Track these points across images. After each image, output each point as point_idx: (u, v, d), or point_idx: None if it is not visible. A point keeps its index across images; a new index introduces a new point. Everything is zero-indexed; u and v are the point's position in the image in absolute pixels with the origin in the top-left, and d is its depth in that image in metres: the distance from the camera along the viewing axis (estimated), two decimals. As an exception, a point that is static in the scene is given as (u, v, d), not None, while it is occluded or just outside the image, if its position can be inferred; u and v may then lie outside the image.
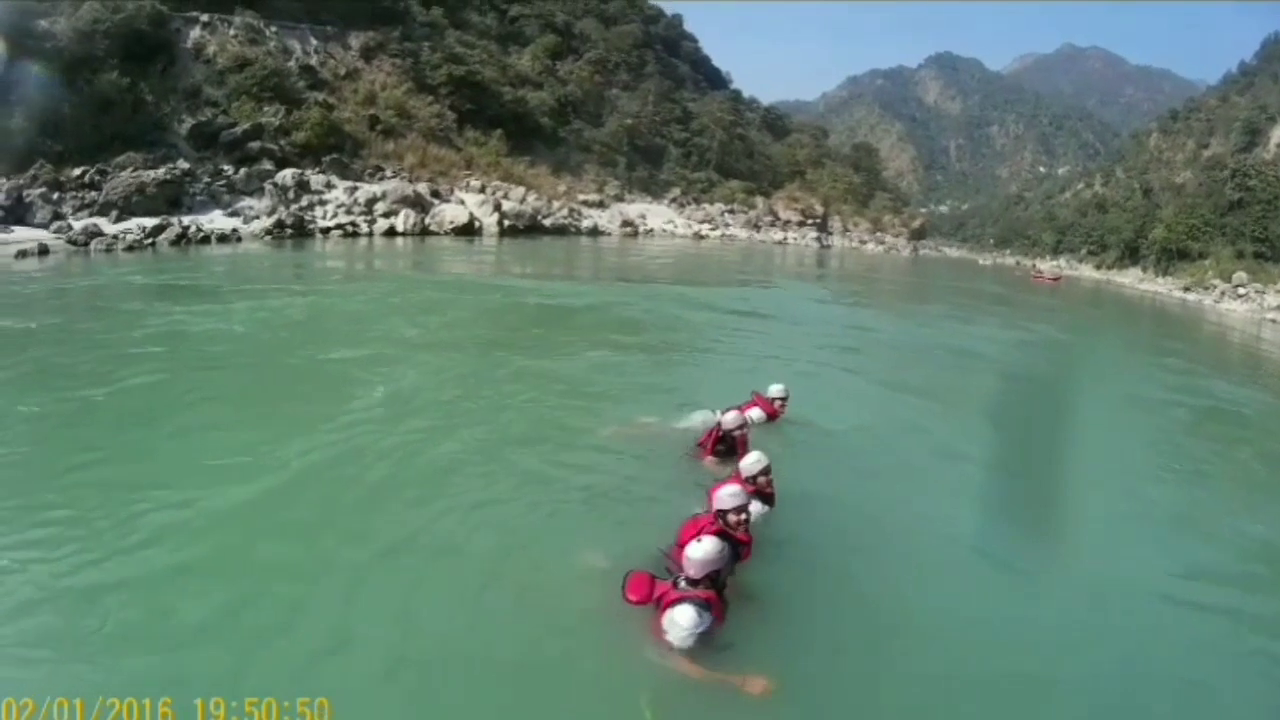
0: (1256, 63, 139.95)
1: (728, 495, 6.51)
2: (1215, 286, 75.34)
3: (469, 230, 40.20)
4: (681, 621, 5.49)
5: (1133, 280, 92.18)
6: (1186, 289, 78.01)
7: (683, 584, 5.71)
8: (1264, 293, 68.51)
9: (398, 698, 5.11)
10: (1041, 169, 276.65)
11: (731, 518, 6.41)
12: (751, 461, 7.57)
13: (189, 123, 38.34)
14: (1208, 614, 7.69)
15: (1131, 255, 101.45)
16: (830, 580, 7.16)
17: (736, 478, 7.44)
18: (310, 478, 8.21)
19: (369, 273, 28.44)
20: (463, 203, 43.35)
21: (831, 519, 8.47)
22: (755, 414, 10.29)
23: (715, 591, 5.71)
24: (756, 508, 7.03)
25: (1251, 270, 75.05)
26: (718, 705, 5.30)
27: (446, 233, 39.15)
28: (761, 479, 7.47)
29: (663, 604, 5.67)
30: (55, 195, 30.80)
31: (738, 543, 6.32)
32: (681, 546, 6.11)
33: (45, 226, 28.34)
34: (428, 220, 39.60)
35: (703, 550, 5.67)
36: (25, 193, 29.73)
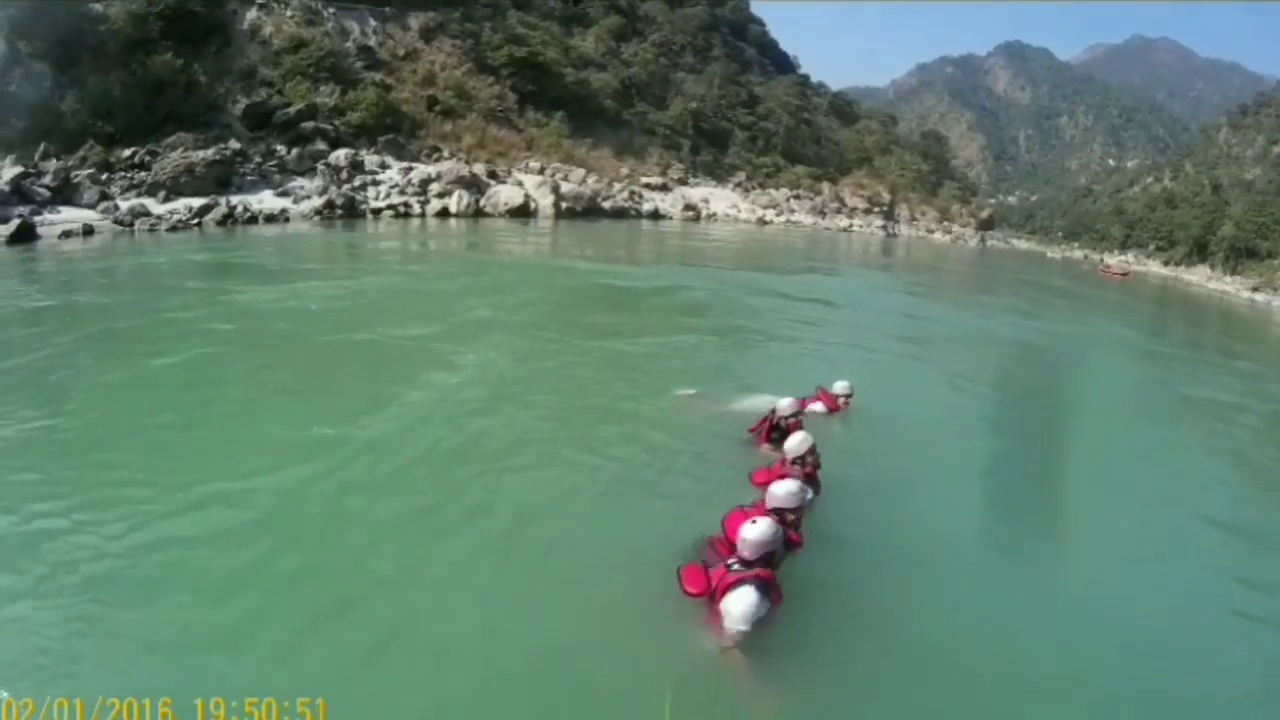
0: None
1: (786, 494, 6.26)
2: None
3: (524, 212, 39.01)
4: (742, 605, 5.33)
5: (1200, 278, 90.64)
6: (1255, 289, 76.32)
7: (736, 566, 5.54)
8: (1336, 295, 67.15)
9: (402, 696, 4.92)
10: (1110, 162, 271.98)
11: (789, 516, 6.20)
12: (797, 442, 7.41)
13: (243, 103, 37.85)
14: (1263, 628, 7.37)
15: (1200, 252, 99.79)
16: (870, 576, 6.96)
17: (784, 461, 7.41)
18: (356, 463, 8.01)
19: (427, 253, 28.17)
20: (520, 184, 42.26)
21: (879, 512, 8.25)
22: (817, 408, 10.22)
23: (772, 571, 5.56)
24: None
25: (1324, 271, 73.61)
26: (743, 707, 5.16)
27: (501, 214, 38.03)
28: (810, 458, 7.35)
29: (720, 589, 5.47)
30: (104, 176, 30.50)
31: (789, 540, 6.14)
32: (729, 537, 6.00)
33: (92, 207, 27.88)
34: (482, 202, 38.56)
35: (758, 531, 5.54)
36: (74, 174, 29.38)
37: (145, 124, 34.05)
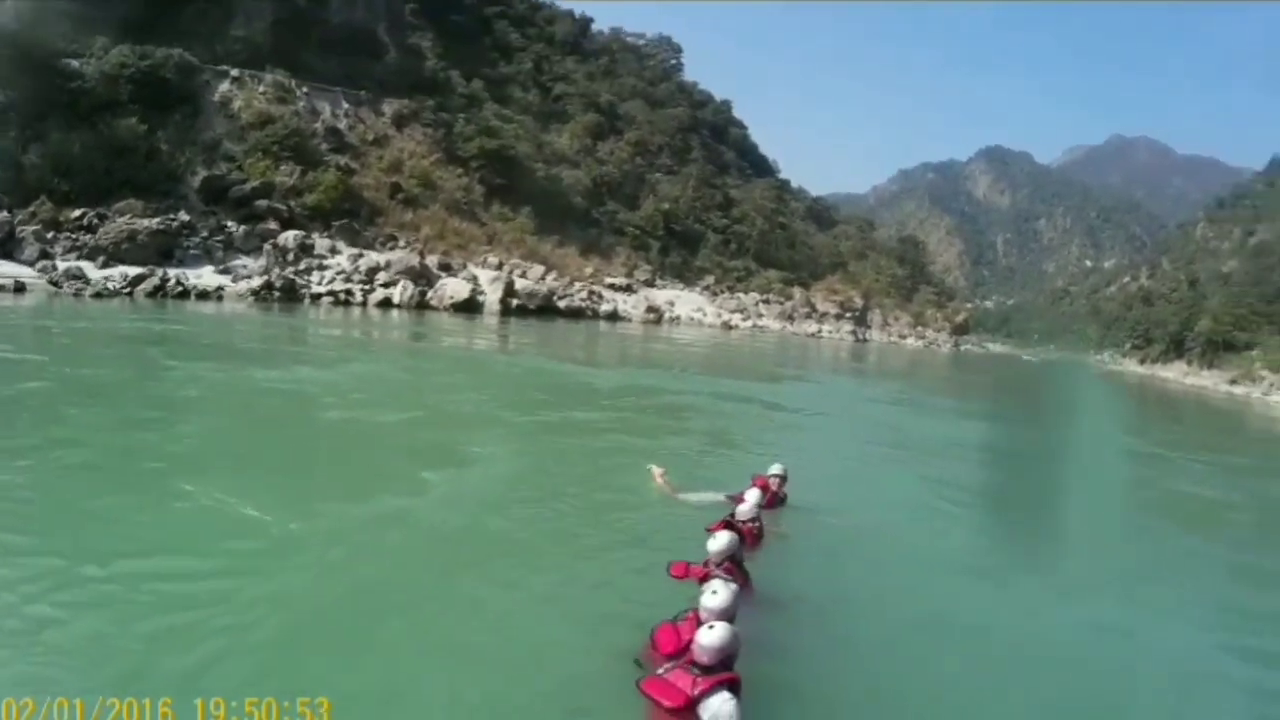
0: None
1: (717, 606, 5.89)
2: (1264, 378, 73.72)
3: (469, 307, 38.20)
4: (728, 708, 5.13)
5: (1177, 374, 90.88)
6: (1233, 381, 76.47)
7: (696, 671, 5.36)
8: (1317, 384, 67.67)
9: (399, 698, 5.16)
10: (1088, 262, 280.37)
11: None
12: (721, 546, 7.21)
13: (201, 175, 37.82)
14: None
15: (1176, 348, 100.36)
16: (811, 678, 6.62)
17: (707, 562, 7.24)
18: (343, 509, 8.50)
19: (369, 343, 27.29)
20: (474, 278, 41.89)
21: (822, 619, 7.88)
22: (753, 494, 9.54)
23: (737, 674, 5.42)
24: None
25: (1303, 359, 74.18)
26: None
27: (446, 308, 37.43)
28: (736, 555, 7.29)
29: (693, 698, 5.23)
30: (50, 234, 30.46)
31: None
32: (659, 650, 5.95)
33: (31, 264, 27.96)
34: (430, 294, 37.95)
35: (716, 637, 5.37)
36: (20, 229, 29.47)
37: (102, 186, 34.17)
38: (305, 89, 47.73)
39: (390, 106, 51.58)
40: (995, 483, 17.44)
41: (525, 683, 5.95)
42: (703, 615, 5.96)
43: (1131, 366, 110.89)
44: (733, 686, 5.28)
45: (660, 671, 5.55)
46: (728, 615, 5.86)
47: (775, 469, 10.57)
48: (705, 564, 7.25)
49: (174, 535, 7.27)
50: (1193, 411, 51.74)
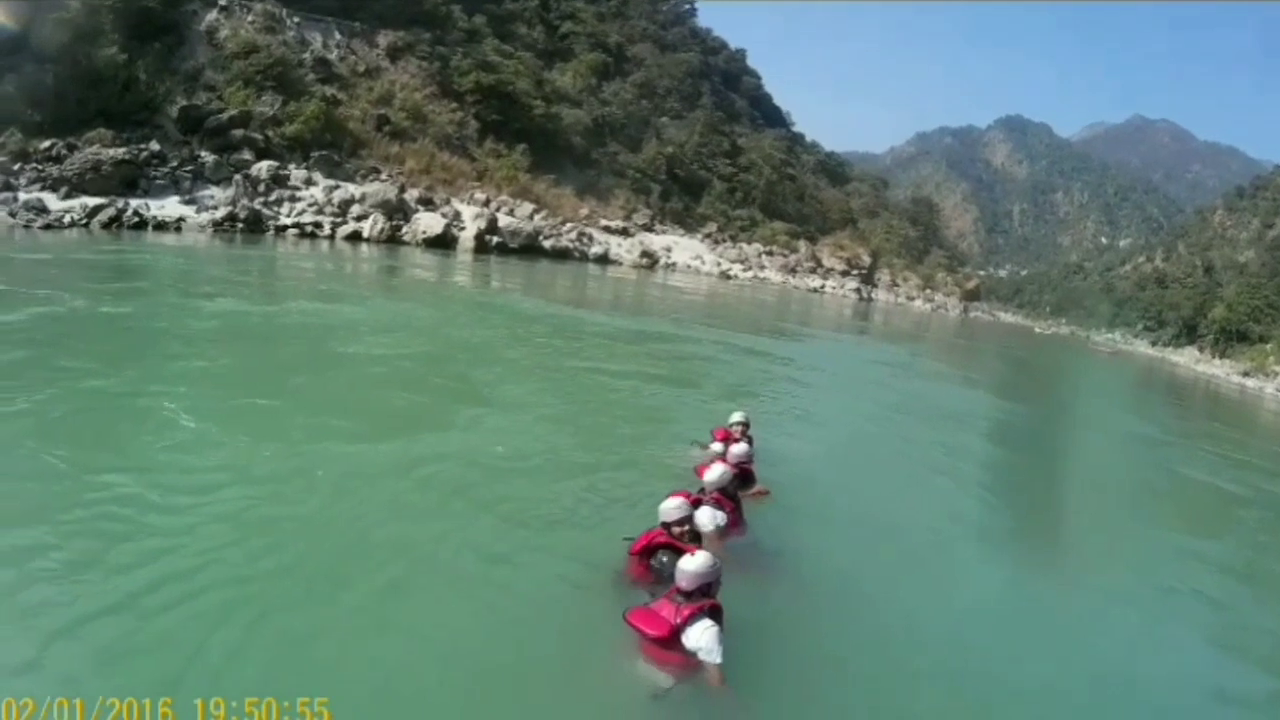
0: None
1: (671, 508, 6.63)
2: (1277, 373, 72.49)
3: (442, 243, 37.31)
4: (710, 636, 5.43)
5: (1188, 360, 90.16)
6: (1245, 373, 75.27)
7: (679, 599, 5.62)
8: (1331, 380, 66.64)
9: (397, 699, 5.14)
10: (1103, 240, 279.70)
11: (675, 529, 6.56)
12: (715, 478, 7.73)
13: (179, 105, 37.13)
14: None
15: (1189, 334, 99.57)
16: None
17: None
18: (323, 479, 8.17)
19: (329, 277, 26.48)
20: (457, 214, 41.15)
21: (809, 569, 8.14)
22: (716, 447, 9.86)
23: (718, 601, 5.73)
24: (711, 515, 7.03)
25: (1317, 356, 73.10)
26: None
27: (418, 244, 36.64)
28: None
29: (676, 627, 5.52)
30: (17, 166, 30.08)
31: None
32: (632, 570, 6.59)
33: (-8, 196, 27.51)
34: (404, 229, 37.17)
35: (695, 564, 5.69)
36: (-13, 161, 29.05)
37: (76, 117, 33.64)
38: (297, 19, 46.75)
39: (385, 38, 50.53)
40: (998, 459, 17.34)
41: (522, 619, 6.19)
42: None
43: (1142, 348, 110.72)
44: (714, 613, 5.52)
45: (646, 602, 5.81)
46: (684, 513, 6.60)
47: (736, 417, 10.41)
48: (700, 491, 7.47)
49: (179, 498, 7.24)
50: (1204, 402, 51.70)
